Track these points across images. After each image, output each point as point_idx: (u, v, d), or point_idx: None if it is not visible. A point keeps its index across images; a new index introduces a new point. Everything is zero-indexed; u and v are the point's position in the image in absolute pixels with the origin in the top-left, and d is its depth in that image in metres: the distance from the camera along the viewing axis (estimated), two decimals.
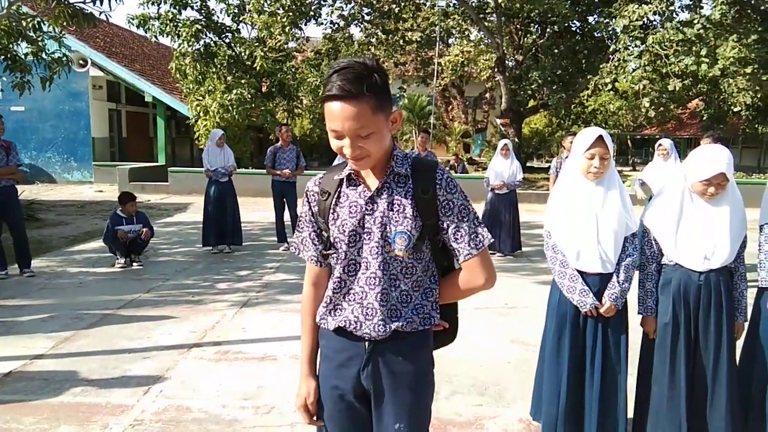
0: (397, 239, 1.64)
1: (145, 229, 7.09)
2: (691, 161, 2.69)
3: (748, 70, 14.28)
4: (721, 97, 17.78)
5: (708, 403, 2.73)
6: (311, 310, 1.82)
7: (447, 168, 19.80)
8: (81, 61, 17.14)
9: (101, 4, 7.28)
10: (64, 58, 8.47)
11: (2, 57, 8.47)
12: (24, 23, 8.11)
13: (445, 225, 1.67)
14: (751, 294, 2.81)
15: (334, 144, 1.60)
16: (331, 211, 1.70)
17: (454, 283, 1.77)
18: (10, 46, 8.40)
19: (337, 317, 1.73)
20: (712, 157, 2.59)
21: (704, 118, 24.07)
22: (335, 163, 1.71)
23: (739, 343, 2.86)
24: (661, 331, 2.76)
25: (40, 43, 8.35)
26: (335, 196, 1.71)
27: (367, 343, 1.71)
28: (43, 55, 8.33)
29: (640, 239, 2.81)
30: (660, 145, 7.00)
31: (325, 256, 1.76)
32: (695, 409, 2.74)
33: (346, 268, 1.70)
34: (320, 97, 1.56)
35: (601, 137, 2.66)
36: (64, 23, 7.69)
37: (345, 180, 1.70)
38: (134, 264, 7.02)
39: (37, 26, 8.20)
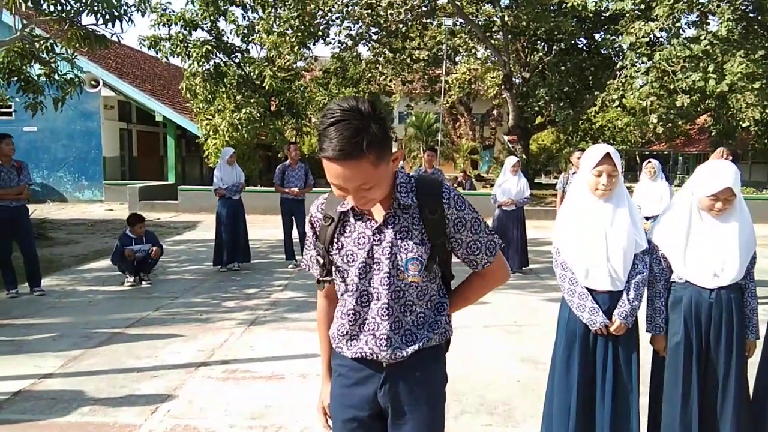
0: (410, 266, 1.64)
1: (154, 248, 7.13)
2: (697, 177, 2.67)
3: (756, 85, 14.24)
4: (730, 112, 17.71)
5: (718, 421, 2.68)
6: (326, 321, 1.86)
7: (455, 184, 19.83)
8: (93, 82, 17.39)
9: (113, 26, 7.40)
10: (76, 79, 8.60)
11: (15, 78, 8.61)
12: (37, 45, 8.27)
13: (460, 240, 1.69)
14: (763, 310, 2.77)
15: (337, 192, 1.57)
16: (335, 240, 1.69)
17: (473, 286, 1.84)
18: (24, 67, 8.55)
19: (353, 348, 1.73)
20: (718, 171, 2.58)
21: (713, 133, 23.98)
22: None
23: (752, 361, 2.81)
24: (673, 350, 2.71)
25: (52, 65, 8.49)
26: (338, 225, 1.68)
27: (384, 363, 1.71)
28: (56, 77, 8.46)
29: (649, 256, 2.79)
30: (649, 162, 6.93)
31: (323, 281, 1.77)
32: (706, 428, 2.69)
33: (359, 300, 1.69)
34: (318, 151, 1.50)
35: (608, 154, 2.66)
36: (77, 45, 7.82)
37: (350, 211, 1.67)
38: (143, 282, 7.04)
39: (50, 48, 8.35)
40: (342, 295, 1.74)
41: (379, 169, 1.50)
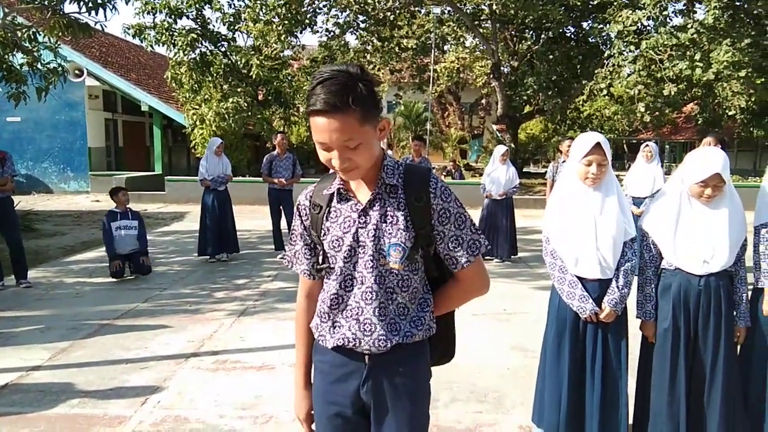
0: (392, 251, 1.61)
1: (144, 258, 6.95)
2: (686, 164, 2.69)
3: (742, 73, 14.33)
4: (716, 100, 17.83)
5: (705, 407, 2.73)
6: (306, 322, 1.81)
7: (444, 174, 19.86)
8: (77, 71, 17.14)
9: (96, 14, 7.29)
10: (60, 69, 8.46)
11: None
12: (19, 34, 8.11)
13: (442, 233, 1.65)
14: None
15: (322, 156, 1.56)
16: (322, 226, 1.67)
17: (451, 293, 1.77)
18: (6, 56, 8.39)
19: (335, 335, 1.69)
20: (707, 158, 2.60)
21: (699, 122, 24.18)
22: (331, 172, 1.69)
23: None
24: (661, 336, 2.75)
25: (35, 54, 8.35)
26: (326, 210, 1.67)
27: (367, 357, 1.68)
28: (39, 66, 8.32)
29: (639, 243, 2.81)
30: (647, 145, 7.15)
31: (318, 270, 1.73)
32: (694, 414, 2.73)
33: (343, 284, 1.67)
34: (306, 110, 1.53)
35: (598, 144, 2.67)
36: (60, 33, 7.70)
37: (336, 195, 1.67)
38: (132, 274, 6.96)
39: (32, 37, 8.20)
40: (327, 280, 1.71)
41: (365, 128, 1.51)
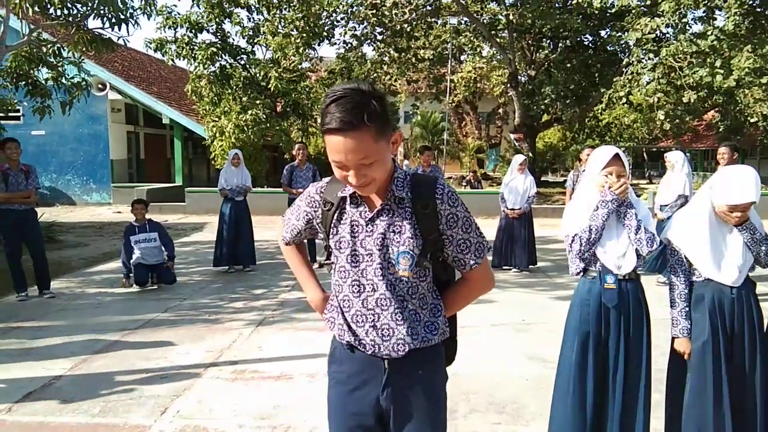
0: (401, 260, 1.66)
1: (170, 263, 6.98)
2: (721, 183, 2.64)
3: (764, 80, 14.12)
4: (738, 108, 17.61)
5: (748, 412, 2.69)
6: (297, 251, 1.98)
7: (464, 184, 19.78)
8: (100, 85, 17.47)
9: (119, 30, 7.43)
10: (83, 83, 8.65)
11: (23, 83, 8.68)
12: (44, 49, 8.32)
13: (450, 237, 1.70)
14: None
15: (338, 173, 1.61)
16: (332, 225, 1.73)
17: (460, 292, 1.83)
18: (31, 71, 8.61)
19: (349, 336, 1.75)
20: (743, 184, 2.56)
21: (720, 129, 23.85)
22: None
23: None
24: (700, 350, 2.68)
25: (59, 69, 8.55)
26: (337, 210, 1.72)
27: (386, 362, 1.72)
28: (63, 80, 8.52)
29: (669, 255, 2.78)
30: (665, 156, 7.25)
31: (327, 263, 1.81)
32: (738, 420, 2.68)
33: (351, 288, 1.72)
34: (320, 129, 1.56)
35: (617, 155, 2.68)
36: (83, 49, 7.87)
37: (348, 198, 1.71)
38: (153, 284, 7.03)
39: (57, 52, 8.41)
40: (337, 280, 1.77)
41: (379, 145, 1.55)
